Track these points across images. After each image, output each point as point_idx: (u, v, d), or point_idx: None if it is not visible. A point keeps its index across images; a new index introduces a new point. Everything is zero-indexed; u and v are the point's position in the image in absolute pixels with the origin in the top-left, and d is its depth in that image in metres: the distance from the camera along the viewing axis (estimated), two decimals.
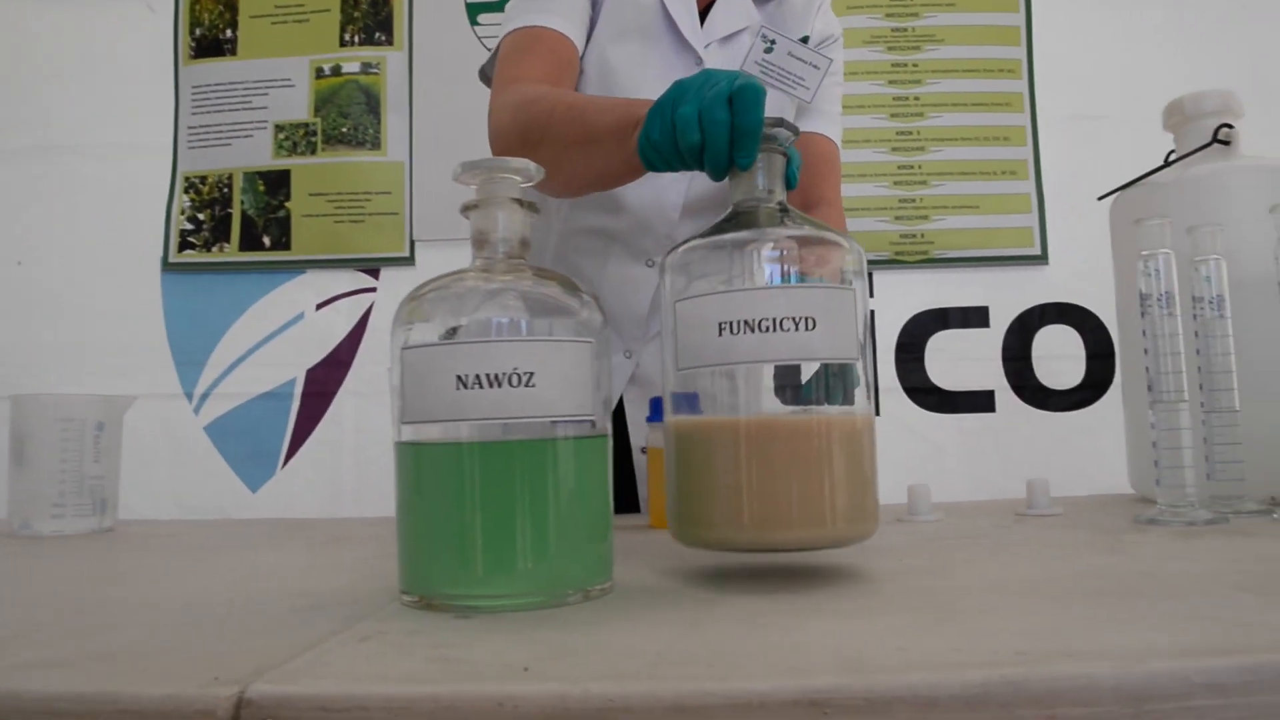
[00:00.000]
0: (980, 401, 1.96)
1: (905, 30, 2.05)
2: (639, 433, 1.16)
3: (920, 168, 2.01)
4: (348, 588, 0.62)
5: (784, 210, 0.63)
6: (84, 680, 0.40)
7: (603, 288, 1.18)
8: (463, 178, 0.60)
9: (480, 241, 0.59)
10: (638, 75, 1.11)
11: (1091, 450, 1.89)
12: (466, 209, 0.59)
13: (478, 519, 0.53)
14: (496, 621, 0.49)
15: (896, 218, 1.99)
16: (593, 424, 0.56)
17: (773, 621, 0.47)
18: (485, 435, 0.55)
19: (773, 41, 1.09)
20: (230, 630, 0.50)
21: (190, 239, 2.01)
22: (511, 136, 0.98)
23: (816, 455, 0.56)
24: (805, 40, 1.14)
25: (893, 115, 2.03)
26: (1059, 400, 1.96)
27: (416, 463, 0.56)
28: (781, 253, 0.60)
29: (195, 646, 0.46)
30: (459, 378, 0.52)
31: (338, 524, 1.16)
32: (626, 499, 1.17)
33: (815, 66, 1.09)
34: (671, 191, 1.15)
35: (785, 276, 0.59)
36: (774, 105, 1.13)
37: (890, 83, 2.04)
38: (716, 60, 1.13)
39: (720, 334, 0.56)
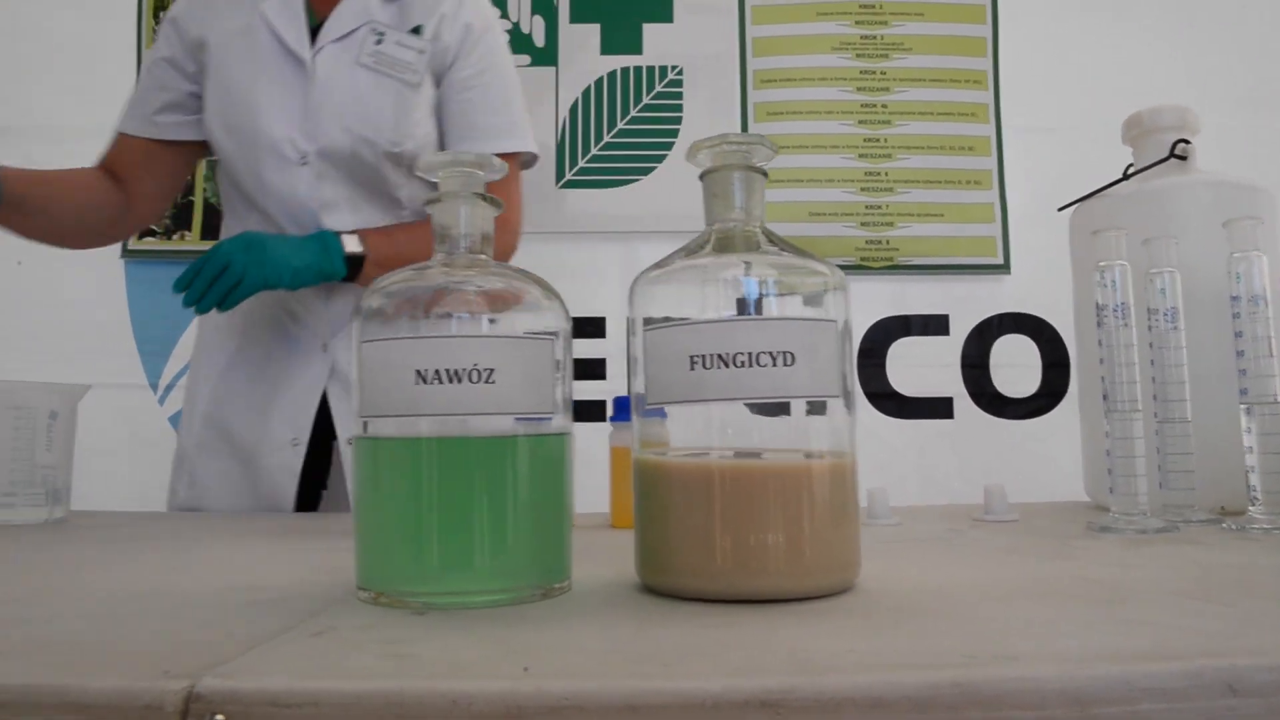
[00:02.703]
0: (939, 408, 1.98)
1: (874, 38, 2.07)
2: (344, 427, 1.24)
3: (887, 175, 2.03)
4: (302, 582, 0.61)
5: (763, 234, 0.58)
6: (26, 671, 0.39)
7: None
8: (425, 172, 0.60)
9: (442, 236, 0.59)
10: (249, 91, 1.22)
11: (1045, 457, 1.92)
12: (429, 203, 0.59)
13: (435, 516, 0.53)
14: (450, 619, 0.49)
15: (863, 224, 2.01)
16: (552, 421, 0.56)
17: (726, 622, 0.47)
18: (444, 431, 0.54)
19: (381, 34, 1.23)
20: (181, 623, 0.49)
21: (150, 226, 1.98)
22: None
23: (797, 501, 0.53)
24: (418, 30, 1.24)
25: (860, 122, 2.05)
26: (1015, 408, 1.99)
27: (374, 458, 0.55)
28: (758, 281, 0.56)
29: (144, 639, 0.46)
30: (418, 373, 0.52)
31: (293, 518, 1.15)
32: (333, 493, 1.28)
33: (420, 51, 1.23)
34: (301, 185, 1.22)
35: (762, 307, 0.55)
36: (389, 94, 1.23)
37: (859, 89, 2.05)
38: (329, 58, 1.23)
39: (692, 368, 0.53)
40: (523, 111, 1.32)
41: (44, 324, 1.95)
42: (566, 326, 0.58)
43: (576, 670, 0.39)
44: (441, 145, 1.28)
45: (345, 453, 1.23)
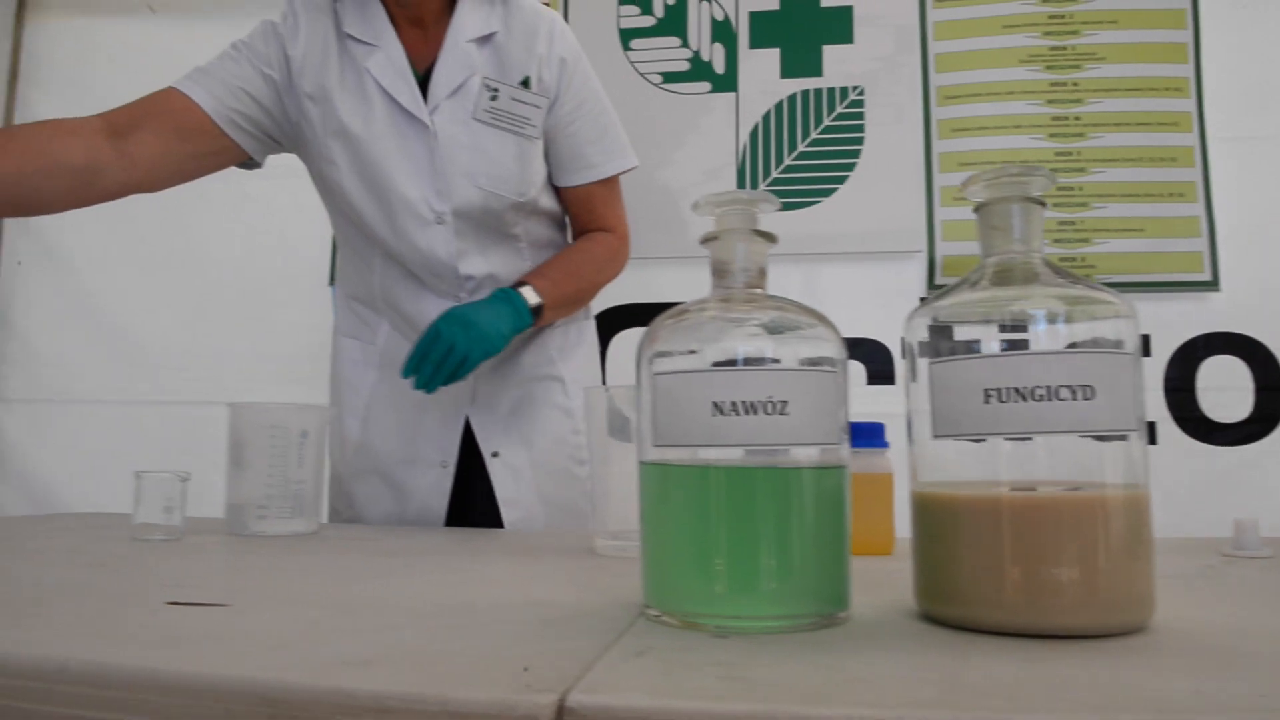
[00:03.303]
0: None
1: (1065, 49, 2.00)
2: (487, 445, 1.33)
3: (1081, 189, 1.96)
4: (582, 599, 0.64)
5: (1044, 264, 0.58)
6: (392, 679, 0.43)
7: (420, 320, 1.27)
8: (702, 209, 0.62)
9: (720, 271, 0.61)
10: (380, 154, 1.24)
11: (1262, 487, 1.81)
12: (706, 240, 0.61)
13: (726, 542, 0.55)
14: (756, 643, 0.50)
15: (1055, 240, 1.95)
16: (836, 451, 0.57)
17: (1037, 657, 0.47)
18: (735, 459, 0.56)
19: (496, 90, 1.25)
20: (508, 636, 0.52)
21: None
22: None
23: (1094, 535, 0.52)
24: (526, 82, 1.26)
25: (1051, 135, 1.98)
26: (1225, 434, 1.88)
27: (663, 483, 0.58)
28: (1046, 313, 0.55)
29: (482, 651, 0.49)
30: (715, 404, 0.54)
31: (500, 535, 1.20)
32: (488, 512, 1.33)
33: (537, 107, 1.27)
34: (439, 242, 1.27)
35: (1052, 339, 0.54)
36: (511, 148, 1.26)
37: (1049, 102, 1.99)
38: (446, 116, 1.25)
39: (987, 401, 0.53)
40: (619, 128, 1.36)
41: (260, 346, 2.11)
42: (844, 356, 0.59)
43: (928, 700, 0.40)
44: (551, 179, 1.34)
45: (492, 466, 1.32)
